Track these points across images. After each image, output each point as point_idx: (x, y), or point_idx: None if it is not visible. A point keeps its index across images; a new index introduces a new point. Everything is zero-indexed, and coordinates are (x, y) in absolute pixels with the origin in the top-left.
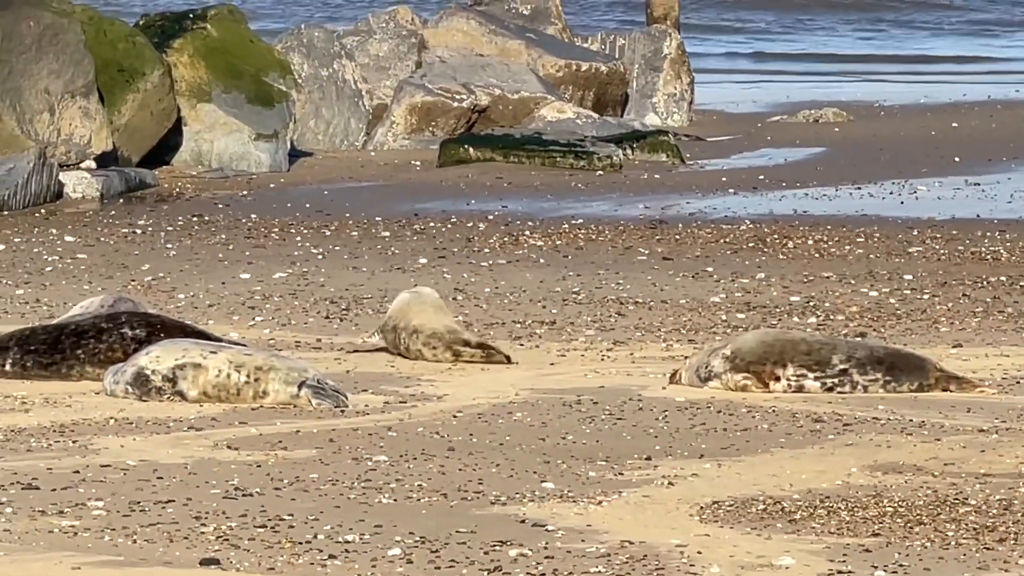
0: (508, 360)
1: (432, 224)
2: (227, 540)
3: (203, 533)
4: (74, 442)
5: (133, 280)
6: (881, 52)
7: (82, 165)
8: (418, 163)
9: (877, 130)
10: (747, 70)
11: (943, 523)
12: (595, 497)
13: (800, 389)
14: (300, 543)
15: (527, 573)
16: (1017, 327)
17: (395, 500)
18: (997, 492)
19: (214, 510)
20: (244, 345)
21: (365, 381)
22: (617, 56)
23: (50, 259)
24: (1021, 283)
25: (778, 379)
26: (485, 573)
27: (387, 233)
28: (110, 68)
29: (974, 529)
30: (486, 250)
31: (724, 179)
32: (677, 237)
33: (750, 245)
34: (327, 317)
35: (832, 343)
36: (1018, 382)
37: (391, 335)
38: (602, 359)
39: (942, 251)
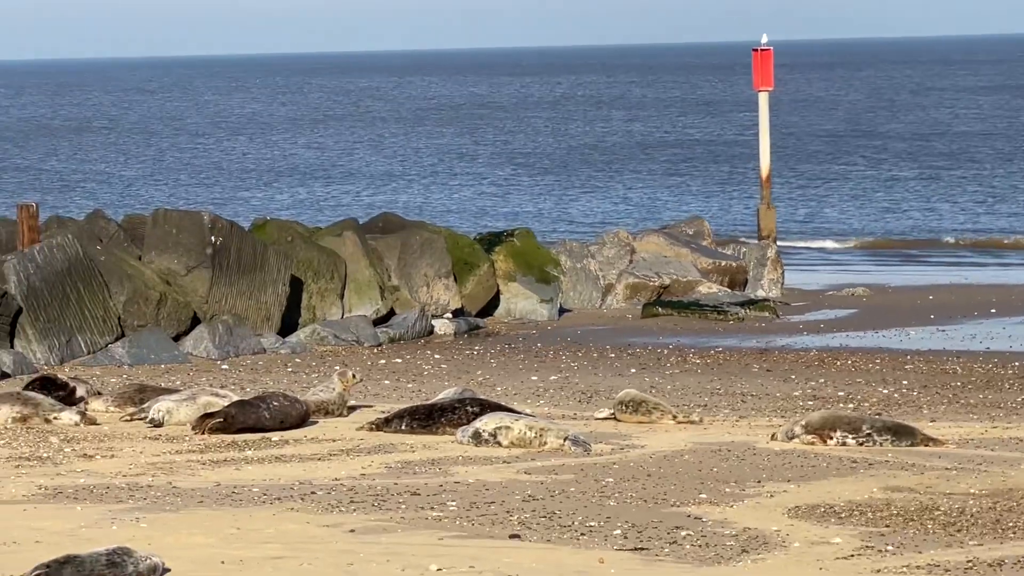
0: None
1: (638, 350)
2: (525, 525)
3: (511, 520)
4: (439, 469)
5: (472, 379)
6: (889, 267)
7: (444, 316)
8: (630, 316)
9: (886, 301)
10: (814, 268)
11: (926, 520)
12: (730, 503)
13: (844, 444)
14: (565, 527)
15: (690, 544)
16: (967, 411)
17: (617, 503)
18: (956, 503)
19: (517, 507)
20: (533, 416)
21: (601, 437)
22: (741, 257)
23: (425, 367)
24: (969, 386)
25: (832, 438)
26: (667, 544)
27: (613, 355)
28: (459, 262)
29: (943, 524)
30: (668, 364)
31: (800, 326)
32: (774, 359)
33: (815, 363)
34: (579, 401)
35: (862, 418)
36: (968, 442)
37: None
38: (732, 426)
39: (923, 367)
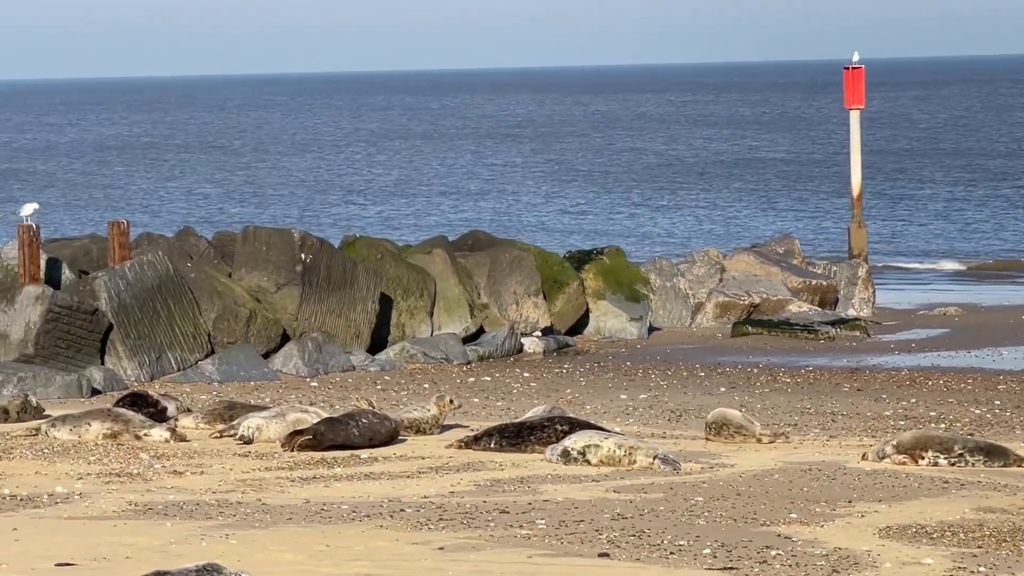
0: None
1: (728, 369)
2: (614, 543)
3: (599, 539)
4: (528, 487)
5: (561, 398)
6: (980, 286)
7: (534, 334)
8: (720, 335)
9: (978, 320)
10: (905, 287)
11: (1019, 542)
12: (820, 523)
13: (936, 464)
14: (654, 545)
15: (780, 564)
16: None
17: (706, 522)
18: None
19: (605, 525)
20: (623, 434)
21: (690, 456)
22: (832, 276)
23: (515, 386)
24: None
25: (923, 458)
26: (757, 563)
27: (703, 374)
28: (549, 280)
29: None
30: (758, 383)
31: (892, 346)
32: (865, 378)
33: (906, 383)
34: (669, 420)
35: (954, 438)
36: None
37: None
38: (823, 445)
39: (1016, 388)
